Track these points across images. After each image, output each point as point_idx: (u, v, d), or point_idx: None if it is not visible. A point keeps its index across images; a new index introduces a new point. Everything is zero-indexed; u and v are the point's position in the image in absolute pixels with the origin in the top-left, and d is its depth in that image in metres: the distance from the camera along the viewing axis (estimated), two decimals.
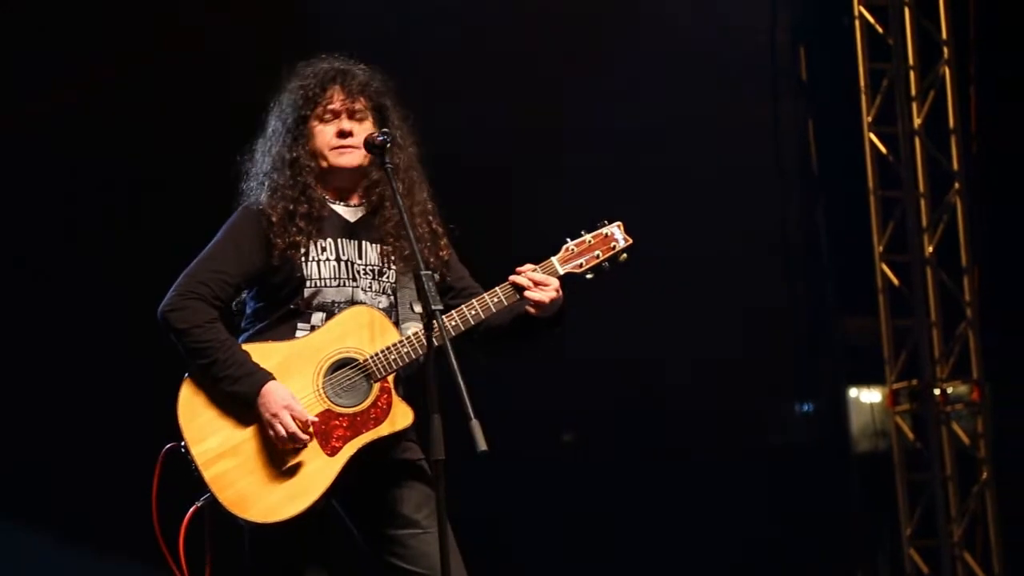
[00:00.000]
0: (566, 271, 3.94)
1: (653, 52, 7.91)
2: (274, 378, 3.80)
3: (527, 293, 3.89)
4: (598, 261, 3.97)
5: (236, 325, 3.99)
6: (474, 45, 7.38)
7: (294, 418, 3.76)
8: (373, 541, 3.94)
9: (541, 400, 7.37)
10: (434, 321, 3.61)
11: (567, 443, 8.04)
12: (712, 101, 8.08)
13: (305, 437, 3.78)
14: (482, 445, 3.43)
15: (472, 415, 3.45)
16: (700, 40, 8.11)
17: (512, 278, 3.90)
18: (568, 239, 3.98)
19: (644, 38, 7.90)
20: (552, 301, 3.89)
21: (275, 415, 3.76)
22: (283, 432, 3.76)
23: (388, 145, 3.89)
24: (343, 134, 3.95)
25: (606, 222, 4.02)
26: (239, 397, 3.79)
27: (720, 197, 8.07)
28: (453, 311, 3.88)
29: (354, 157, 3.96)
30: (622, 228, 4.02)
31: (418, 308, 3.90)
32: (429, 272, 3.70)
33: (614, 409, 7.67)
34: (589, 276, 3.97)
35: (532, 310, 3.91)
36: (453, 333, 3.82)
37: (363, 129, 3.97)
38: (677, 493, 7.65)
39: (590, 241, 3.98)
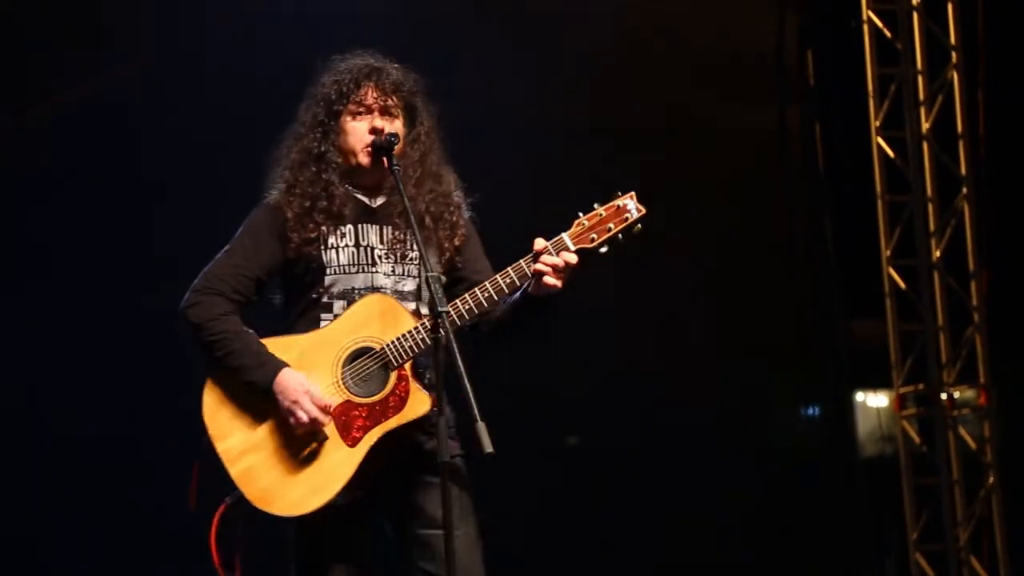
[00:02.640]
0: (578, 247, 3.87)
1: (659, 54, 7.91)
2: (288, 366, 3.81)
3: (545, 280, 3.85)
4: (610, 234, 3.88)
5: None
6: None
7: (313, 403, 3.77)
8: (402, 541, 3.94)
9: (545, 402, 7.36)
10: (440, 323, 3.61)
11: (571, 446, 8.03)
12: (719, 104, 8.08)
13: (326, 419, 3.78)
14: (488, 447, 3.43)
15: (479, 417, 3.46)
16: (707, 44, 8.10)
17: (534, 266, 3.86)
18: (580, 214, 3.92)
19: (650, 40, 7.89)
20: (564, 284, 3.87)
21: (294, 402, 3.77)
22: (304, 418, 3.77)
23: (394, 148, 3.91)
24: (375, 131, 3.96)
25: (619, 193, 3.94)
26: (255, 387, 3.81)
27: (727, 201, 8.06)
28: (465, 294, 3.88)
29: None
30: (635, 198, 3.93)
31: (424, 308, 3.92)
32: (436, 275, 3.71)
33: (618, 412, 7.66)
34: (603, 250, 3.90)
35: (537, 291, 3.89)
36: (468, 317, 3.84)
37: (393, 127, 3.99)
38: (681, 496, 7.63)
39: (602, 214, 3.90)
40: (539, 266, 3.85)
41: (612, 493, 7.59)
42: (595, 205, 3.93)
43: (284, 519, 3.84)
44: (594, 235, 3.89)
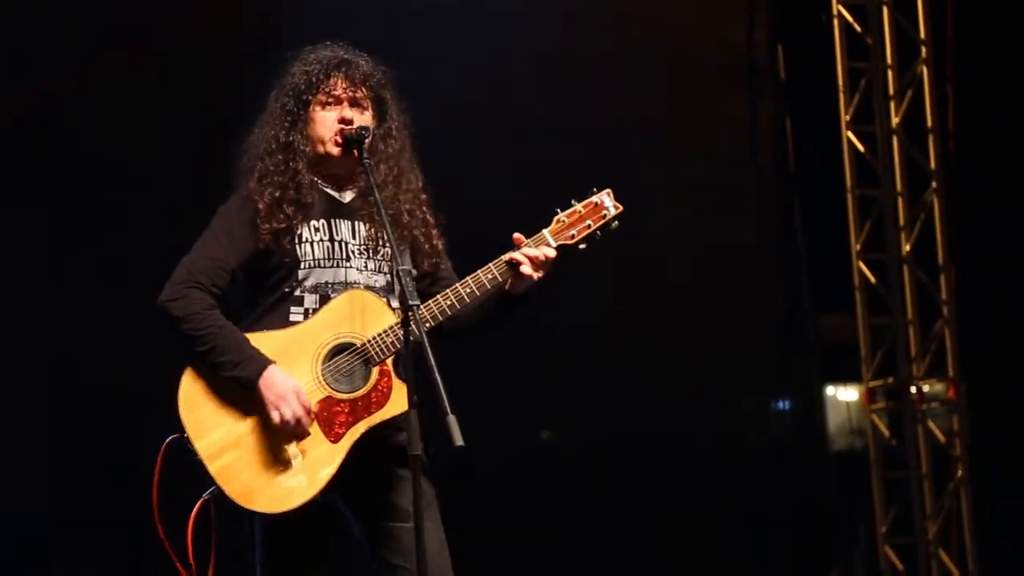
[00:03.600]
0: (559, 243, 3.93)
1: (630, 50, 7.91)
2: (274, 363, 3.77)
3: (522, 269, 3.89)
4: (590, 231, 3.96)
5: (231, 311, 3.96)
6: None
7: (300, 402, 3.74)
8: (369, 534, 3.91)
9: (519, 397, 7.36)
10: (411, 317, 3.59)
11: (545, 440, 8.04)
12: (690, 99, 8.08)
13: (309, 420, 3.76)
14: (459, 440, 3.42)
15: (449, 410, 3.44)
16: (678, 39, 8.10)
17: (511, 255, 3.90)
18: (558, 210, 3.96)
19: (620, 36, 7.89)
20: (540, 277, 3.91)
21: (281, 397, 3.73)
22: (289, 417, 3.73)
23: (365, 140, 3.90)
24: (345, 121, 3.94)
25: (595, 190, 3.99)
26: (239, 382, 3.76)
27: (697, 195, 8.07)
28: (447, 290, 3.88)
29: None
30: (611, 195, 3.99)
31: (395, 303, 3.91)
32: (407, 268, 3.70)
33: (591, 406, 7.66)
34: (582, 247, 3.96)
35: (515, 287, 3.91)
36: (449, 312, 3.84)
37: (363, 119, 3.97)
38: (652, 491, 7.64)
39: (580, 211, 3.96)
40: (517, 255, 3.88)
41: (580, 486, 7.59)
42: (573, 201, 3.97)
43: (258, 515, 3.79)
44: (573, 232, 3.95)
